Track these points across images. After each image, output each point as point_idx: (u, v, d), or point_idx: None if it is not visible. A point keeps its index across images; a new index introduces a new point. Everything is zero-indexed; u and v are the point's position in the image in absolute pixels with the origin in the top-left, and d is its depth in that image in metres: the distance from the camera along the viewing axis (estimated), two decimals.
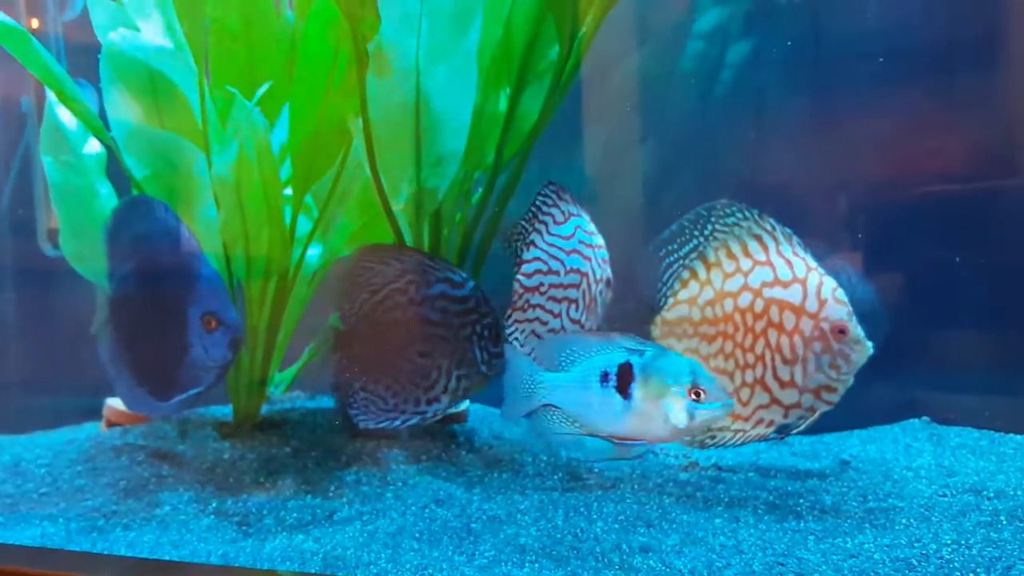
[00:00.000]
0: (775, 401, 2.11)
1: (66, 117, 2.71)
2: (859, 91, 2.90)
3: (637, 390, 1.83)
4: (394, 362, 2.21)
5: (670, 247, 2.21)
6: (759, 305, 2.09)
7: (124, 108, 2.55)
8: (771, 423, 2.14)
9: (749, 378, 2.12)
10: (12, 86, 3.46)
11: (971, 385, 2.77)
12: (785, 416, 2.13)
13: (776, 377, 2.10)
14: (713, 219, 2.17)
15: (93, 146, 2.76)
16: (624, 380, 1.84)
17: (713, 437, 2.16)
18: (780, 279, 2.08)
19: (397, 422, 2.20)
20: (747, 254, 2.13)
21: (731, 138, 3.09)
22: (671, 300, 2.20)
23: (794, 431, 2.15)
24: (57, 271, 2.91)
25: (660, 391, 1.80)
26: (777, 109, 3.07)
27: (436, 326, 2.19)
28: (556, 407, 1.91)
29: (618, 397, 1.84)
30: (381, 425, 2.20)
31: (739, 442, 2.15)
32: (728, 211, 2.16)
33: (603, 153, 3.31)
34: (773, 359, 2.08)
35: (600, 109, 3.29)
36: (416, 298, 2.19)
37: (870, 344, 2.05)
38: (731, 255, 2.15)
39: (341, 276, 2.25)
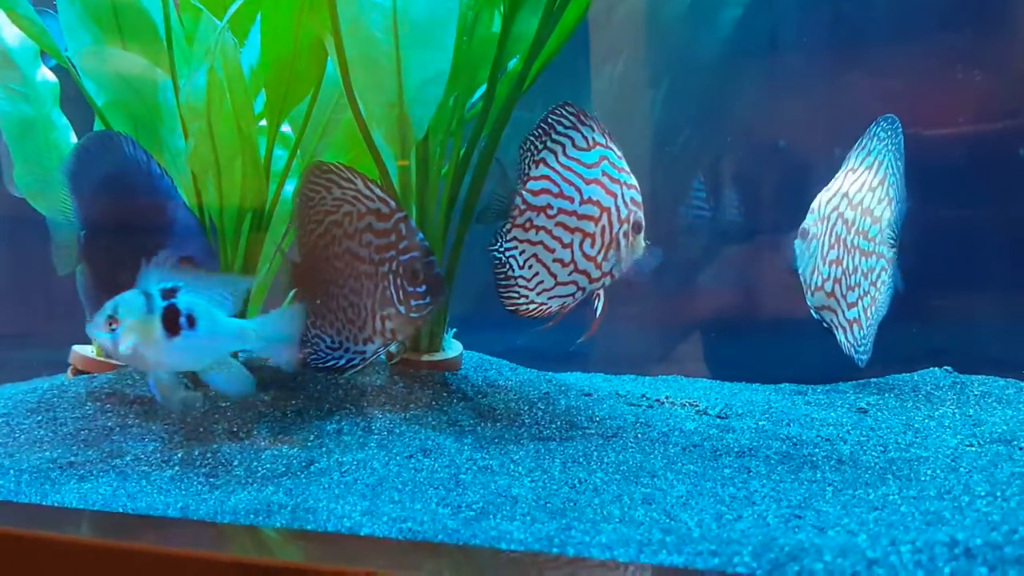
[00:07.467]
0: None
1: (12, 40, 2.52)
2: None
3: None
4: (335, 298, 2.15)
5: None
6: None
7: (83, 28, 2.35)
8: None
9: None
10: None
11: (992, 334, 2.77)
12: None
13: None
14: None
15: (45, 74, 2.59)
16: None
17: None
18: None
19: (342, 361, 2.14)
20: None
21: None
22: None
23: None
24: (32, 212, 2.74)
25: None
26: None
27: (363, 262, 2.10)
28: None
29: None
30: (328, 364, 2.15)
31: None
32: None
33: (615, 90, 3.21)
34: None
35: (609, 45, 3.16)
36: (349, 231, 2.10)
37: None
38: None
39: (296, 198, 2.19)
